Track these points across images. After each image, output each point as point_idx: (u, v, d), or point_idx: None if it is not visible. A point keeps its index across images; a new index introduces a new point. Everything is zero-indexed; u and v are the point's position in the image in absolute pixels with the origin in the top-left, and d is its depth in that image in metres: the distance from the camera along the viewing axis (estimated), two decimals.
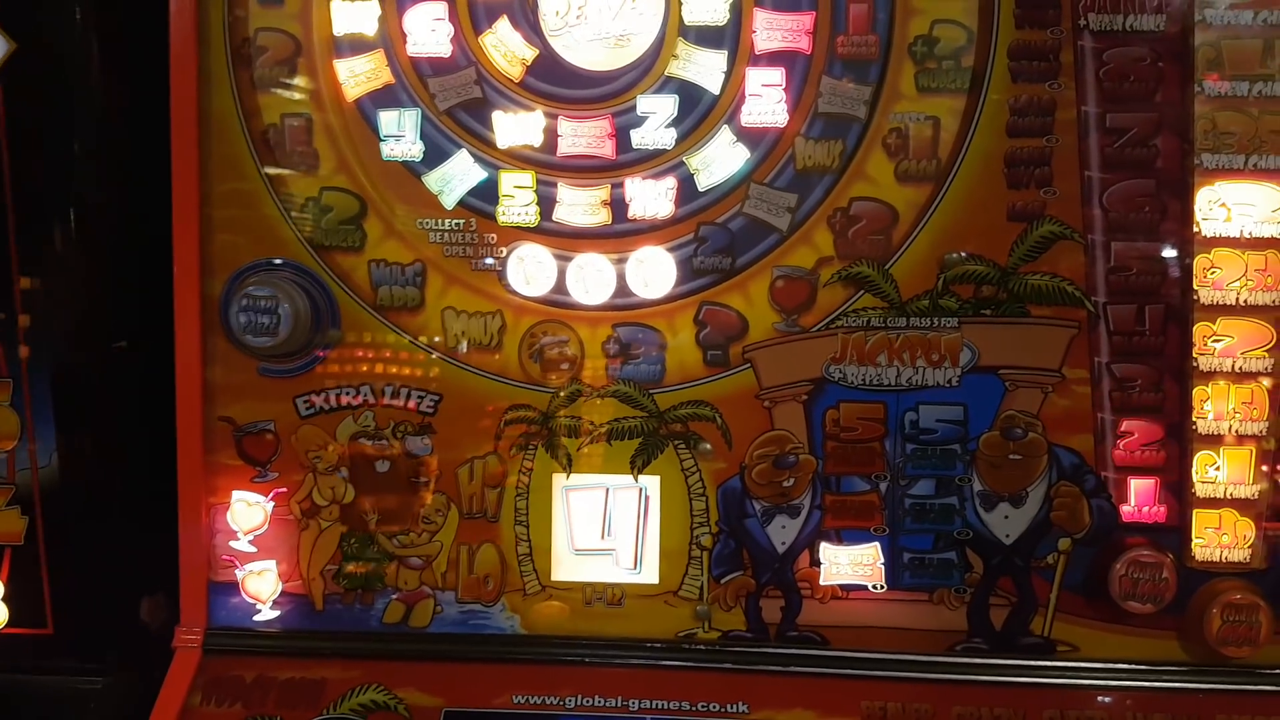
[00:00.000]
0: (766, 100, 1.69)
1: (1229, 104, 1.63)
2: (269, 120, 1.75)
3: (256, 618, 1.79)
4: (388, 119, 1.73)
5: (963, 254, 1.68)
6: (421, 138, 1.74)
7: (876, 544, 1.72)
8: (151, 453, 1.80)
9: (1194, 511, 1.67)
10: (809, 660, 1.72)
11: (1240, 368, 1.65)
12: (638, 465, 1.75)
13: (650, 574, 1.76)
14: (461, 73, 1.73)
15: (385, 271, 1.76)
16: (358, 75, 1.73)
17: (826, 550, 1.73)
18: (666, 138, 1.71)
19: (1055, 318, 1.68)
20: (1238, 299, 1.64)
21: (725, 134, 1.70)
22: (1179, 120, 1.65)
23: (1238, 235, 1.64)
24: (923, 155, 1.68)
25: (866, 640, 1.73)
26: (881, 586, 1.72)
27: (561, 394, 1.75)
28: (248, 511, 1.78)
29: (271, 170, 1.75)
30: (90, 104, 1.73)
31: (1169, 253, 1.67)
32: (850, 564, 1.73)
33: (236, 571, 1.78)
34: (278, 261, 1.76)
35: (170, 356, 1.75)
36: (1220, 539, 1.67)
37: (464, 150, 1.74)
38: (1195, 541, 1.67)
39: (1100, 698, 1.67)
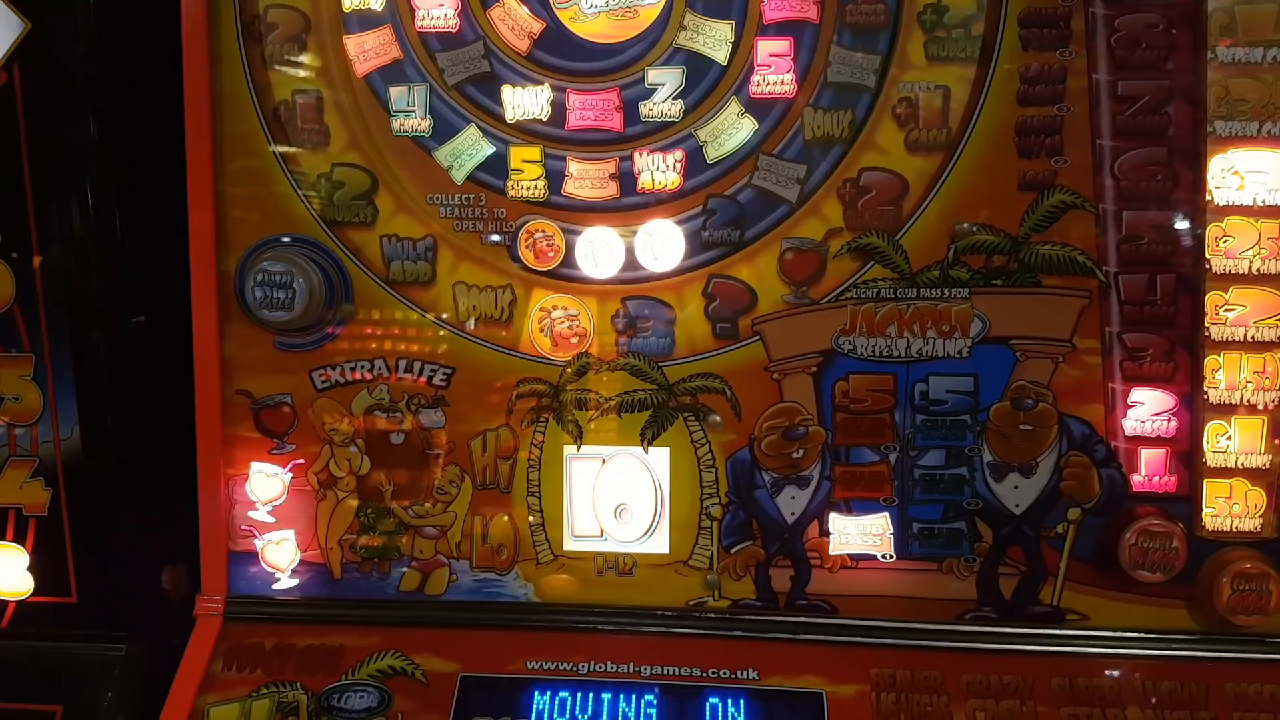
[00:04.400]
0: (775, 70, 1.68)
1: (1242, 70, 1.61)
2: (280, 97, 1.76)
3: (276, 586, 1.82)
4: (397, 94, 1.74)
5: (974, 225, 1.67)
6: (431, 113, 1.74)
7: (886, 514, 1.73)
8: (171, 425, 1.83)
9: (1205, 481, 1.67)
10: (818, 628, 1.73)
11: (1252, 337, 1.64)
12: (647, 437, 1.76)
13: (660, 544, 1.77)
14: (469, 47, 1.73)
15: (397, 246, 1.77)
16: (367, 50, 1.74)
17: (836, 520, 1.73)
18: (674, 110, 1.70)
19: (1066, 287, 1.67)
20: (1250, 268, 1.63)
21: (733, 105, 1.70)
22: (1191, 87, 1.62)
23: (1250, 203, 1.63)
24: (933, 125, 1.67)
25: (875, 609, 1.74)
26: (890, 556, 1.73)
27: (571, 368, 1.76)
28: (266, 483, 1.81)
29: (283, 147, 1.76)
30: (105, 82, 1.74)
31: (1181, 222, 1.65)
32: (859, 534, 1.73)
33: (255, 541, 1.81)
34: (288, 239, 1.77)
35: (188, 331, 1.78)
36: (1231, 508, 1.66)
37: (473, 125, 1.74)
38: (1206, 511, 1.67)
39: (1108, 668, 1.67)
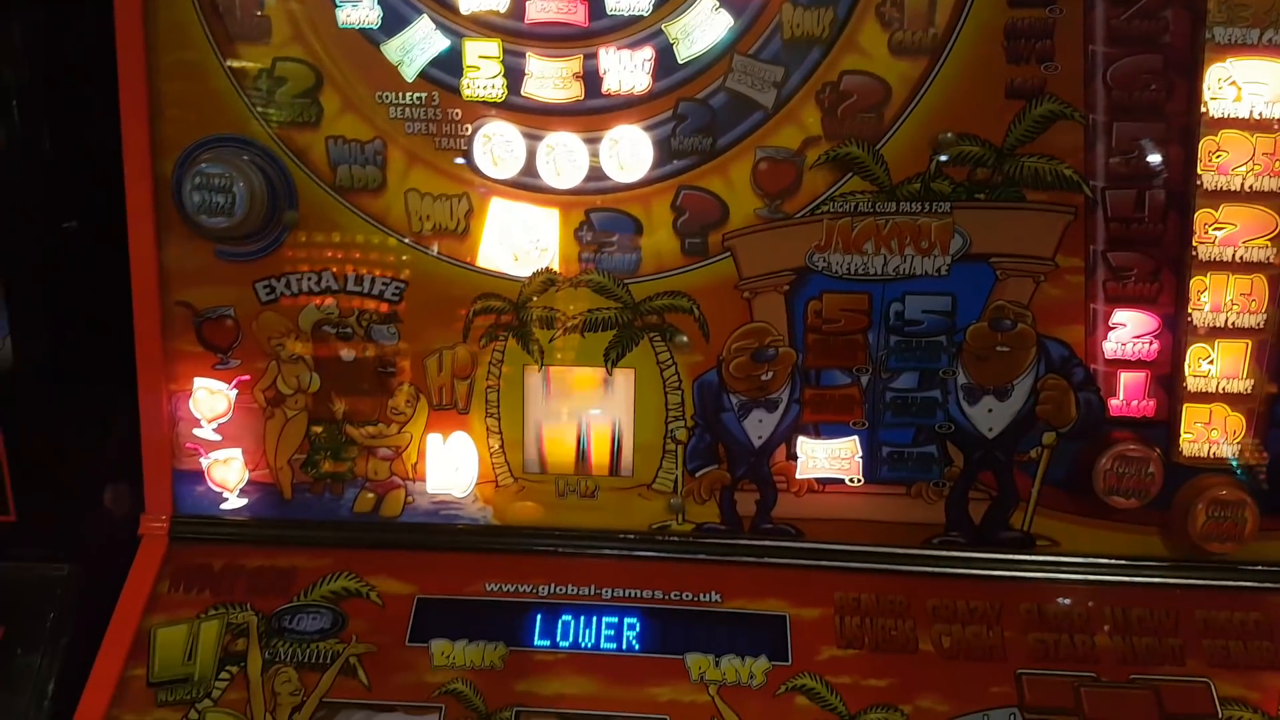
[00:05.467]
0: None
1: None
2: None
3: (224, 506, 1.76)
4: None
5: (957, 135, 1.59)
6: (379, 3, 1.62)
7: (855, 438, 1.68)
8: (111, 338, 1.73)
9: (1184, 406, 1.63)
10: (783, 552, 1.70)
11: (1240, 257, 1.59)
12: (612, 358, 1.69)
13: (624, 467, 1.72)
14: None
15: (344, 149, 1.66)
16: None
17: (804, 444, 1.69)
18: (643, 3, 1.60)
19: (1051, 203, 1.61)
20: (1243, 184, 1.58)
21: None
22: None
23: (1247, 116, 1.56)
24: (918, 25, 1.58)
25: (841, 533, 1.70)
26: (858, 480, 1.69)
27: (532, 283, 1.68)
28: (210, 399, 1.73)
29: (221, 40, 1.64)
30: None
31: (1173, 135, 1.58)
32: (828, 458, 1.69)
33: (202, 459, 1.74)
34: (229, 138, 1.66)
35: (126, 239, 1.67)
36: (1210, 434, 1.63)
37: (425, 16, 1.63)
38: (1184, 436, 1.64)
39: (1078, 594, 1.65)
